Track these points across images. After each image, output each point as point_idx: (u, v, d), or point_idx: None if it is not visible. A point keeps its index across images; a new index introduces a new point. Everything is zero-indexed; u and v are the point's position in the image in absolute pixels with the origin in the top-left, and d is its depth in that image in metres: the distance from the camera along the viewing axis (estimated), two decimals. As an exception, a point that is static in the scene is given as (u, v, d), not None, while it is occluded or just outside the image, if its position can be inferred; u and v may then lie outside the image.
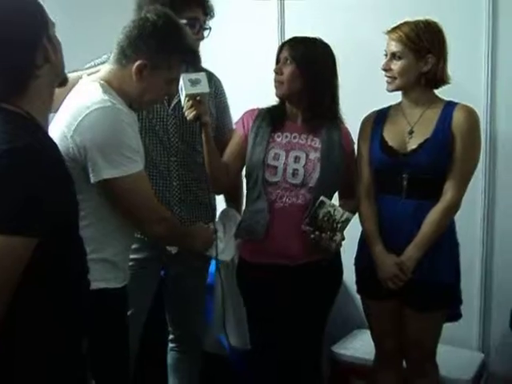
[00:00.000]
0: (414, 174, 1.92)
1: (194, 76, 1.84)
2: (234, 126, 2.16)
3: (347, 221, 1.93)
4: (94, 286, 1.36)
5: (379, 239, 1.98)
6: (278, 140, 2.04)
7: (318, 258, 2.00)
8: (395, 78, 1.95)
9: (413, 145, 1.94)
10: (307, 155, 2.01)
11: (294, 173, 1.99)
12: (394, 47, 1.93)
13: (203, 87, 1.84)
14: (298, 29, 2.29)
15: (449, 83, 1.98)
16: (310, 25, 2.65)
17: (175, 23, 1.69)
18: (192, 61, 1.80)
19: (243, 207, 2.20)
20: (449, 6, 2.45)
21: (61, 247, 1.19)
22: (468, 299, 2.14)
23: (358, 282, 2.13)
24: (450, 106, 1.96)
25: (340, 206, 1.99)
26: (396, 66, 1.94)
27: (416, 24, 1.93)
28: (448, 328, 2.04)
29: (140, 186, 1.61)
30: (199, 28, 2.05)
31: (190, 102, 1.85)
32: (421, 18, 1.95)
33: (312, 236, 1.93)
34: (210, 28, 2.10)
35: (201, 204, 2.13)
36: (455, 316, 2.05)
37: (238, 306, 2.12)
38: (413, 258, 1.91)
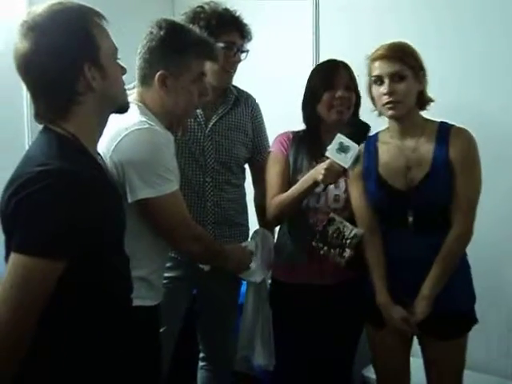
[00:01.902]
0: (420, 211, 1.83)
1: (348, 143, 1.76)
2: (272, 149, 2.14)
3: (355, 237, 1.90)
4: None
5: (384, 287, 1.87)
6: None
7: (351, 277, 2.00)
8: (399, 102, 1.82)
9: (414, 182, 1.84)
10: (346, 180, 2.01)
11: (335, 198, 2.01)
12: (396, 67, 1.80)
13: (346, 160, 1.77)
14: (331, 51, 2.31)
15: (432, 101, 1.89)
16: (343, 47, 2.69)
17: (177, 25, 1.72)
18: (208, 51, 1.74)
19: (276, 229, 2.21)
20: (473, 31, 2.44)
21: (96, 268, 1.21)
22: (495, 324, 2.09)
23: (363, 312, 2.02)
24: (443, 130, 1.85)
25: None
26: (400, 87, 1.80)
27: (399, 43, 1.84)
28: (476, 354, 2.00)
29: (175, 206, 1.64)
30: (236, 51, 2.09)
31: (335, 167, 1.80)
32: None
33: (321, 252, 1.92)
34: (248, 51, 2.13)
35: (234, 224, 2.16)
36: None
37: (267, 326, 2.11)
38: (424, 311, 1.82)
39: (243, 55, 2.13)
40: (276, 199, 2.01)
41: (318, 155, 2.02)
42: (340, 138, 1.76)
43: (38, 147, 1.22)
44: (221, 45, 2.00)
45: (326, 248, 1.92)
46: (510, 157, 2.12)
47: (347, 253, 1.91)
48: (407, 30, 2.61)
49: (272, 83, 2.92)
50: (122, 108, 1.35)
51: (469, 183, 1.82)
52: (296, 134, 2.10)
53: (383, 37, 2.63)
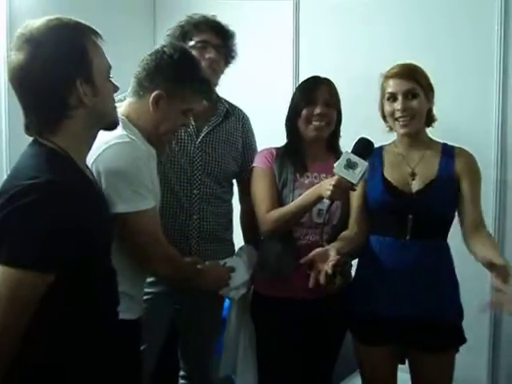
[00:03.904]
0: (421, 215, 1.87)
1: (356, 160, 1.77)
2: (255, 164, 2.12)
3: (345, 264, 1.92)
4: None
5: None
6: (301, 180, 2.05)
7: (335, 291, 1.99)
8: (412, 119, 1.90)
9: (418, 186, 1.90)
10: None
11: (319, 212, 2.00)
12: (409, 85, 1.89)
13: (354, 176, 1.77)
14: (310, 68, 2.35)
15: (435, 120, 1.98)
16: (323, 62, 2.76)
17: (190, 56, 1.77)
18: (206, 92, 1.82)
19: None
20: (463, 48, 2.52)
21: (83, 280, 1.21)
22: (477, 336, 2.12)
23: (352, 327, 2.04)
24: (447, 148, 1.96)
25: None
26: (413, 104, 1.89)
27: (412, 64, 1.94)
28: (456, 366, 1.98)
29: (148, 224, 1.63)
30: (211, 49, 2.08)
31: (343, 184, 1.79)
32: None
33: (312, 278, 1.92)
34: (226, 46, 2.13)
35: (219, 240, 2.13)
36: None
37: (249, 346, 2.11)
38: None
39: (231, 59, 2.16)
40: (273, 214, 1.99)
41: (300, 170, 2.05)
42: (348, 154, 1.78)
43: (27, 160, 1.23)
44: (192, 43, 2.04)
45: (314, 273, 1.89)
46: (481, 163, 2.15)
47: (338, 279, 1.89)
48: (397, 39, 2.70)
49: (252, 98, 2.90)
50: (111, 125, 1.36)
51: (475, 187, 1.91)
52: (278, 150, 2.11)
53: (366, 60, 2.73)
